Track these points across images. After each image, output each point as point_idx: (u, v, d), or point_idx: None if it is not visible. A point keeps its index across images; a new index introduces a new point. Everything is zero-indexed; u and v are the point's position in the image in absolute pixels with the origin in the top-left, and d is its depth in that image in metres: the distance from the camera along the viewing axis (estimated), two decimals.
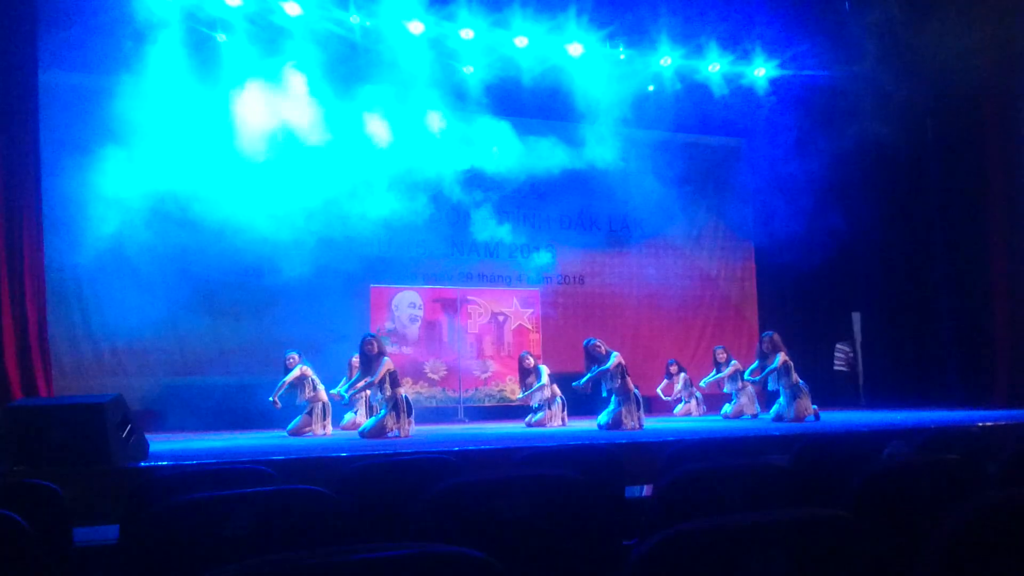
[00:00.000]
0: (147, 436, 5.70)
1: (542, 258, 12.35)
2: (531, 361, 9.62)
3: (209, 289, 10.29)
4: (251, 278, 10.19)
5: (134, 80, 9.54)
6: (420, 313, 11.09)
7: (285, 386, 8.57)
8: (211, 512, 2.15)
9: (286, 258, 10.39)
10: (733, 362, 10.57)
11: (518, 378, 9.91)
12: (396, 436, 7.59)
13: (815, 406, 9.21)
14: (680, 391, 11.17)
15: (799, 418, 8.99)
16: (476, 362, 11.27)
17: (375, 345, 8.03)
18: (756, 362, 9.60)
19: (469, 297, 11.44)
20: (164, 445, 6.62)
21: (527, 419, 9.39)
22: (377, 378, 7.82)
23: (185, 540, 2.12)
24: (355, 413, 9.27)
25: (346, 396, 8.58)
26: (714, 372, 10.79)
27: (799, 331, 12.51)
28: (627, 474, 4.04)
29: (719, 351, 10.89)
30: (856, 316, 13.11)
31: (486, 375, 11.29)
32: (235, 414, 9.72)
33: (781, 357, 9.26)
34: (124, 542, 2.64)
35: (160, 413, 9.85)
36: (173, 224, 9.89)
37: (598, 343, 8.93)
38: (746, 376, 9.94)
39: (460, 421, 10.66)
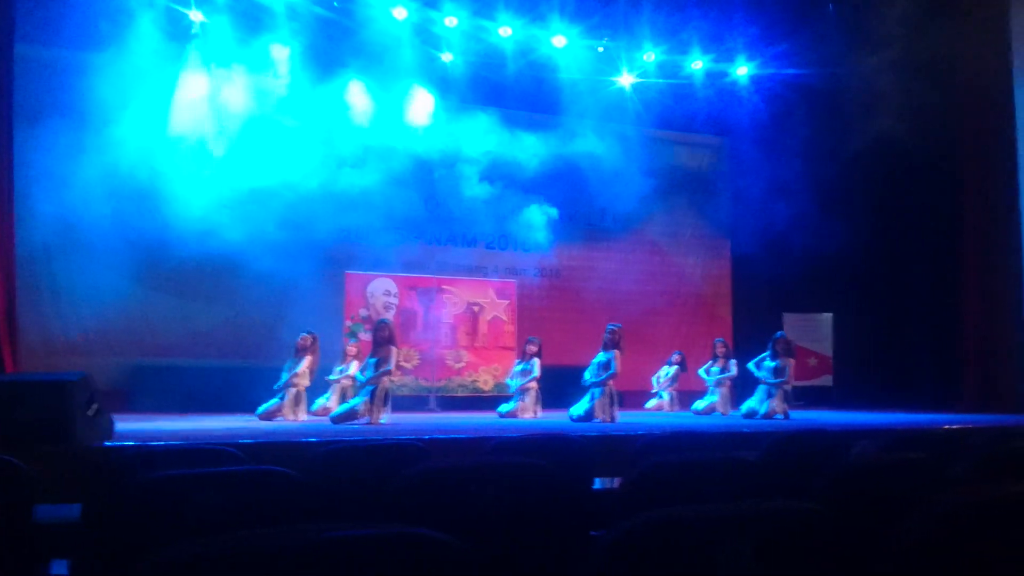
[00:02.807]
0: (115, 417, 5.62)
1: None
2: (534, 349, 9.54)
3: (181, 272, 10.17)
4: (225, 261, 10.07)
5: (111, 57, 9.41)
6: (395, 301, 11.04)
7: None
8: (175, 491, 2.12)
9: (260, 242, 10.30)
10: (733, 361, 10.56)
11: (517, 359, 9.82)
12: (367, 423, 7.55)
13: (785, 404, 9.30)
14: (665, 383, 11.14)
15: (769, 416, 9.08)
16: (450, 352, 11.23)
17: (388, 331, 8.13)
18: (769, 361, 9.60)
19: (445, 286, 11.41)
20: (131, 426, 6.54)
21: (500, 409, 9.36)
22: (393, 367, 8.01)
23: (148, 518, 2.09)
24: (327, 399, 9.21)
25: (362, 378, 8.55)
26: (711, 363, 10.73)
27: (771, 331, 12.57)
28: (597, 465, 4.05)
29: (719, 344, 10.86)
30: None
31: (459, 365, 11.26)
32: (205, 397, 9.61)
33: (791, 363, 9.41)
34: (86, 520, 2.60)
35: (129, 394, 9.74)
36: (146, 205, 9.77)
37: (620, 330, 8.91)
38: (749, 366, 9.88)
39: (432, 410, 10.63)
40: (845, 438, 4.27)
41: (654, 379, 11.26)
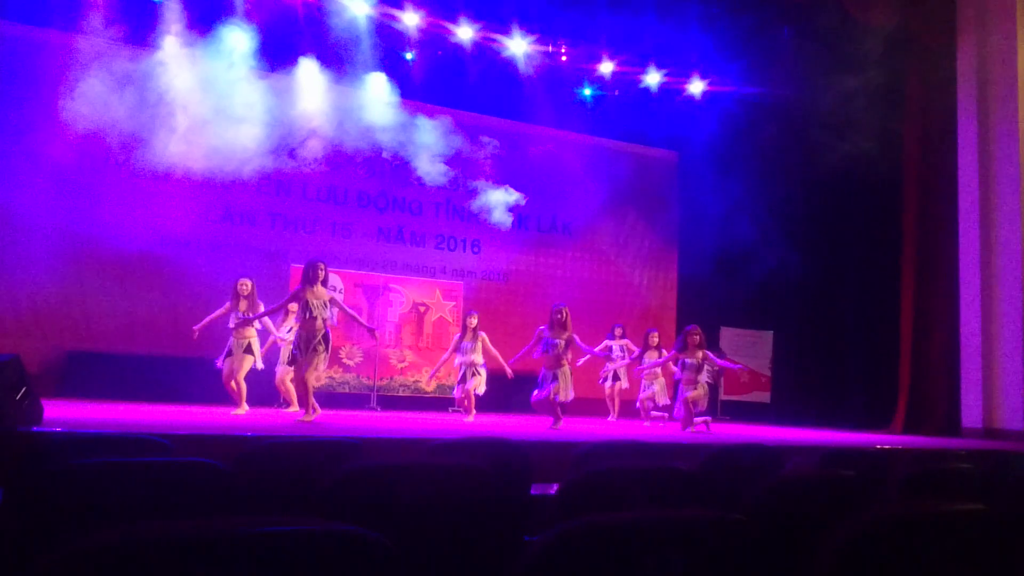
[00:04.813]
0: (47, 403, 5.47)
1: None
2: (474, 322, 9.21)
3: (120, 259, 9.89)
4: (166, 249, 9.89)
5: (56, 36, 9.18)
6: (340, 297, 10.92)
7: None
8: (98, 479, 2.06)
9: (204, 232, 10.11)
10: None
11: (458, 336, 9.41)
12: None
13: (707, 418, 8.99)
14: (619, 361, 10.74)
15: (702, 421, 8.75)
16: (393, 351, 11.15)
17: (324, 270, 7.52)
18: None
19: (392, 285, 11.33)
20: (62, 412, 6.38)
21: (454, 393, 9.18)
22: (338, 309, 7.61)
23: (71, 505, 2.03)
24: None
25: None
26: (644, 352, 10.17)
27: (714, 346, 12.74)
28: (535, 471, 4.04)
29: (652, 335, 10.40)
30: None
31: (402, 364, 11.19)
32: (140, 386, 9.42)
33: (700, 355, 8.90)
34: (5, 505, 2.52)
35: (63, 380, 9.51)
36: (86, 190, 9.54)
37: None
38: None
39: (372, 409, 10.54)
40: (780, 454, 4.33)
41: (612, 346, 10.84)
